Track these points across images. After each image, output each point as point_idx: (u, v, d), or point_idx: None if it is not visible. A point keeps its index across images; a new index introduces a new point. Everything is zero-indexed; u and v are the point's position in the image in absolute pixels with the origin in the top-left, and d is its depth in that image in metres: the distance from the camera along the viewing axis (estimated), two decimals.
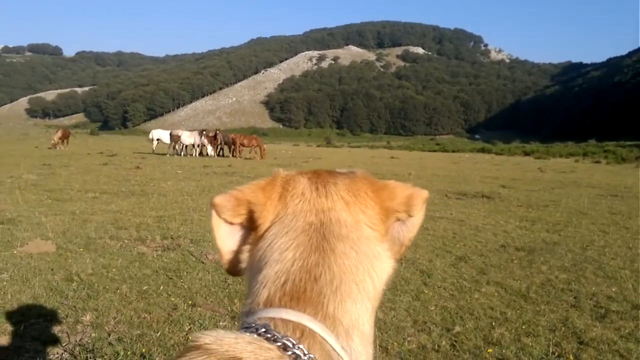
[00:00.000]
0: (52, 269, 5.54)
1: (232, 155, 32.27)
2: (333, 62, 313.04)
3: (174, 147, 31.08)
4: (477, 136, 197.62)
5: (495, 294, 5.30)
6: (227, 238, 0.95)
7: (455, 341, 4.08)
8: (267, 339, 0.75)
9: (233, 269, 0.97)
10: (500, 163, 34.81)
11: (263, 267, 0.88)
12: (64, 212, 9.03)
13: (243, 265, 0.95)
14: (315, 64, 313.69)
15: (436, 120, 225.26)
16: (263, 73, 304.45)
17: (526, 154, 53.57)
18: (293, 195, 0.95)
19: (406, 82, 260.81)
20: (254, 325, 0.78)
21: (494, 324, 4.47)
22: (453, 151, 64.66)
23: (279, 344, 0.74)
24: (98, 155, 27.99)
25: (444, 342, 4.04)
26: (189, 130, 33.18)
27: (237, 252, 0.95)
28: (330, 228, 0.90)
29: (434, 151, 65.69)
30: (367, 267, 0.88)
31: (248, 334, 0.76)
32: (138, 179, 15.11)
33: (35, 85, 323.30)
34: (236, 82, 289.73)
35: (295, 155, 37.35)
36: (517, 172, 24.18)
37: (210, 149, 31.88)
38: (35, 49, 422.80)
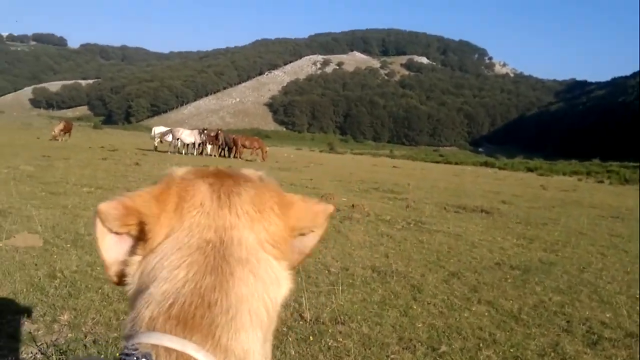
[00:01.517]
0: (36, 264, 5.43)
1: (233, 157, 32.31)
2: (337, 67, 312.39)
3: (175, 145, 31.11)
4: (480, 149, 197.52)
5: (486, 314, 5.18)
6: (113, 248, 0.86)
7: None
8: None
9: (121, 281, 0.87)
10: (503, 178, 34.57)
11: (150, 284, 0.80)
12: (56, 205, 8.92)
13: (128, 279, 0.85)
14: (320, 69, 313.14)
15: (439, 132, 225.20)
16: (267, 75, 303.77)
17: (529, 170, 53.19)
18: (190, 206, 0.85)
19: (410, 92, 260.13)
20: (134, 354, 0.72)
21: (481, 345, 4.35)
22: (456, 163, 64.32)
23: None
24: (99, 149, 27.84)
25: None
26: (190, 129, 33.29)
27: (125, 263, 0.86)
28: (231, 249, 0.82)
29: (437, 162, 65.50)
30: (263, 295, 0.82)
31: None
32: (136, 175, 15.02)
33: (39, 75, 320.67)
34: (240, 83, 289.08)
35: (297, 160, 37.26)
36: (519, 188, 23.98)
37: (209, 148, 32.24)
38: (39, 38, 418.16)
